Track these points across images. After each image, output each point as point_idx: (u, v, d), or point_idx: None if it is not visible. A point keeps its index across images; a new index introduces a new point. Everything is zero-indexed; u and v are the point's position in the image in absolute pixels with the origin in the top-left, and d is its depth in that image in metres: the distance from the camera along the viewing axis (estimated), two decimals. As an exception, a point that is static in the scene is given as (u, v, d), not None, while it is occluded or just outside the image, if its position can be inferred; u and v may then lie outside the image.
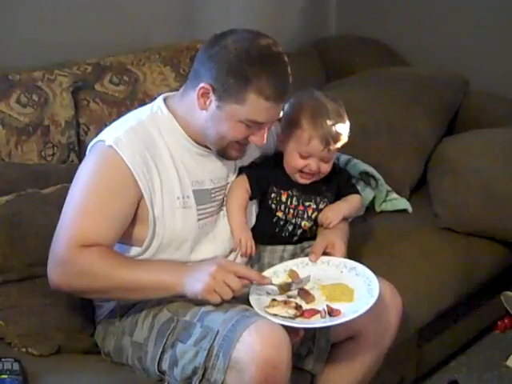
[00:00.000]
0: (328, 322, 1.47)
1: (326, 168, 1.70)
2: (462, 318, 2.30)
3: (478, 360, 2.37)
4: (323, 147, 1.65)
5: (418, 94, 2.60)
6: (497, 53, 2.81)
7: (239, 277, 1.47)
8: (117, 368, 1.62)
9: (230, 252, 1.70)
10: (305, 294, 1.56)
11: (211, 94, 1.53)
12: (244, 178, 1.71)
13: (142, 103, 2.20)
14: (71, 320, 1.70)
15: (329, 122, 1.64)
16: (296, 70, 2.73)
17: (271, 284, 1.54)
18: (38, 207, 1.76)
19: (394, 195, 2.32)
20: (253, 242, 1.67)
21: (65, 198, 1.59)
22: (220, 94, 1.53)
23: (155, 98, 1.69)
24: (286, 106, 1.69)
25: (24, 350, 1.63)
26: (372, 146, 2.39)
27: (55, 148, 2.01)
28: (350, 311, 1.50)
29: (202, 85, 1.54)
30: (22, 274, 1.70)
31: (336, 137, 1.65)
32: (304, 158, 1.68)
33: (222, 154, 1.63)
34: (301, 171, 1.70)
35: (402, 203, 2.31)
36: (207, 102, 1.55)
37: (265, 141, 1.60)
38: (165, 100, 1.65)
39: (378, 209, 2.30)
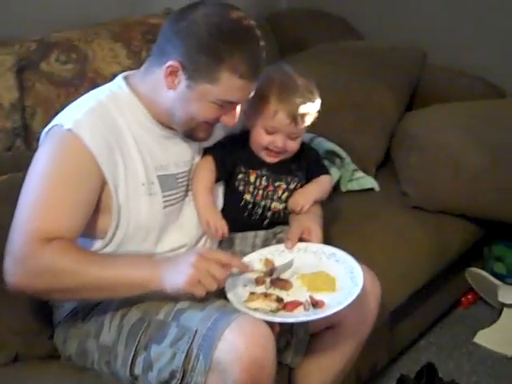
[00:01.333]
0: (314, 315, 1.38)
1: (293, 146, 1.61)
2: (430, 297, 2.25)
3: (445, 338, 2.34)
4: (289, 121, 1.56)
5: (378, 67, 2.53)
6: (454, 24, 2.75)
7: (222, 265, 1.36)
8: (81, 372, 1.49)
9: (199, 240, 1.60)
10: (280, 281, 1.48)
11: (180, 72, 1.42)
12: (209, 159, 1.61)
13: (93, 83, 2.07)
14: (27, 323, 1.57)
15: (297, 97, 1.56)
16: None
17: (253, 271, 1.43)
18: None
19: (360, 174, 2.25)
20: (224, 222, 1.57)
21: (15, 190, 1.44)
22: (190, 72, 1.41)
23: (108, 79, 1.57)
24: None
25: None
26: (335, 124, 2.30)
27: (-1, 134, 1.85)
28: (334, 302, 1.41)
29: (169, 62, 1.42)
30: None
31: (304, 113, 1.57)
32: (270, 134, 1.59)
33: (189, 135, 1.52)
34: (267, 148, 1.61)
35: (369, 182, 2.25)
36: (175, 81, 1.43)
37: (236, 120, 1.50)
38: (125, 78, 1.52)
39: (343, 188, 2.23)
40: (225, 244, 1.65)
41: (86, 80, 2.05)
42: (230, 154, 1.62)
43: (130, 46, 2.18)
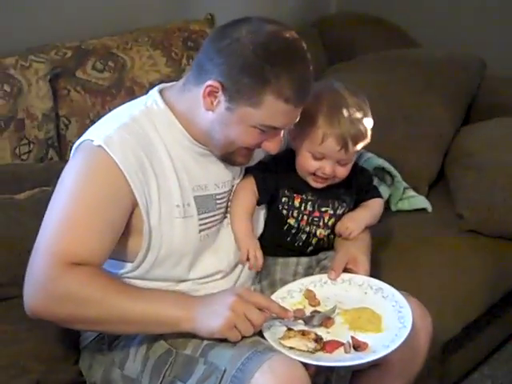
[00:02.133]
0: (354, 359, 1.25)
1: (342, 172, 1.47)
2: (485, 327, 2.09)
3: (502, 371, 2.17)
4: (339, 148, 1.42)
5: (433, 78, 2.37)
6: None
7: (260, 309, 1.25)
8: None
9: (235, 266, 1.48)
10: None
11: (220, 93, 1.31)
12: (251, 180, 1.49)
13: (130, 92, 1.99)
14: (52, 348, 1.48)
15: (348, 119, 1.42)
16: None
17: (294, 318, 1.31)
18: (11, 216, 1.53)
19: (412, 192, 2.10)
20: (261, 253, 1.45)
21: (44, 205, 1.35)
22: (231, 94, 1.30)
23: (147, 88, 1.47)
24: None
25: (-4, 387, 1.40)
26: (385, 138, 2.13)
27: (31, 145, 1.78)
28: (378, 344, 1.28)
29: (209, 82, 1.30)
30: (-6, 295, 1.46)
31: (355, 137, 1.43)
32: (317, 160, 1.45)
33: (227, 159, 1.41)
34: (314, 174, 1.47)
35: (421, 201, 2.09)
36: (215, 102, 1.32)
37: (279, 147, 1.39)
38: (161, 92, 1.41)
39: (394, 208, 2.09)
40: (265, 271, 1.53)
41: (123, 89, 1.98)
42: (273, 176, 1.50)
43: (170, 53, 2.10)
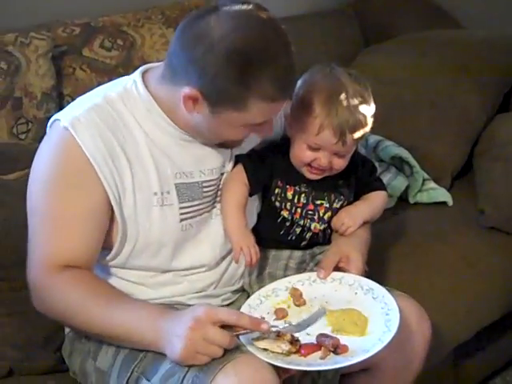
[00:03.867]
0: (329, 364, 1.16)
1: (340, 164, 1.37)
2: (504, 332, 1.95)
3: (525, 378, 2.04)
4: (336, 139, 1.32)
5: (468, 61, 2.23)
6: None
7: (229, 326, 1.16)
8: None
9: (222, 259, 1.40)
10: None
11: (201, 100, 1.22)
12: (241, 170, 1.40)
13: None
14: (30, 334, 1.44)
15: (346, 109, 1.31)
16: (330, 34, 2.47)
17: (274, 333, 1.20)
18: (-2, 197, 1.48)
19: (432, 184, 1.98)
20: (257, 249, 1.35)
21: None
22: (213, 100, 1.22)
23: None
24: (299, 83, 1.36)
25: (-33, 373, 1.37)
26: (407, 125, 2.05)
27: (29, 124, 1.73)
28: (359, 349, 1.18)
29: (187, 91, 1.21)
30: (-28, 280, 1.43)
31: (354, 127, 1.32)
32: (313, 151, 1.36)
33: (219, 145, 1.35)
34: (309, 165, 1.38)
35: (441, 194, 1.97)
36: (196, 107, 1.24)
37: (272, 131, 1.33)
38: (144, 73, 1.33)
39: (411, 200, 1.97)
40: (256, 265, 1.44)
41: (131, 68, 1.86)
42: (266, 166, 1.41)
43: (184, 31, 2.01)
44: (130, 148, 1.28)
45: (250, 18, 1.21)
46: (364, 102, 1.34)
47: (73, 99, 1.80)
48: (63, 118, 1.26)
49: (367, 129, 1.36)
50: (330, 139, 1.32)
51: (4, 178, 1.52)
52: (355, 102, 1.32)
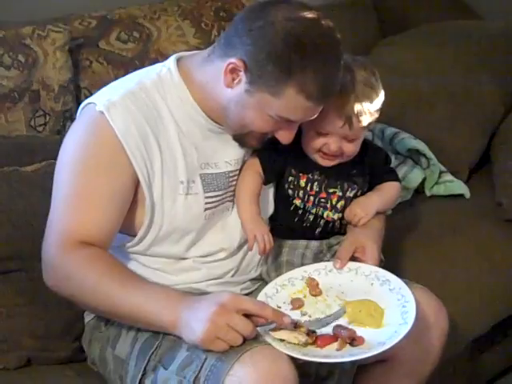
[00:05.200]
0: (345, 356, 1.16)
1: (350, 149, 1.38)
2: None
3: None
4: (342, 123, 1.33)
5: (487, 54, 2.21)
6: None
7: (251, 315, 1.16)
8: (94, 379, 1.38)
9: (241, 246, 1.41)
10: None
11: (242, 73, 1.24)
12: (255, 160, 1.41)
13: (155, 63, 1.92)
14: (48, 324, 1.44)
15: (353, 95, 1.32)
16: (348, 25, 2.46)
17: (292, 324, 1.19)
18: (15, 188, 1.49)
19: (449, 177, 1.97)
20: (270, 237, 1.36)
21: (51, 178, 1.33)
22: (253, 77, 1.23)
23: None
24: None
25: (-14, 361, 1.39)
26: (426, 117, 2.03)
27: (47, 116, 1.74)
28: (375, 341, 1.18)
29: (233, 59, 1.24)
30: (-9, 269, 1.44)
31: (360, 112, 1.32)
32: (322, 136, 1.36)
33: (239, 140, 1.35)
34: (320, 151, 1.38)
35: (458, 187, 1.96)
36: (236, 81, 1.25)
37: (291, 139, 1.33)
38: (179, 61, 1.34)
39: (428, 192, 1.96)
40: (272, 253, 1.45)
41: (148, 61, 1.90)
42: (280, 154, 1.41)
43: (200, 23, 2.01)
44: (162, 136, 1.29)
45: (315, 19, 1.24)
46: (370, 86, 1.35)
47: (90, 92, 1.85)
48: (99, 103, 1.27)
49: (375, 114, 1.36)
50: (336, 123, 1.33)
51: (22, 170, 1.52)
52: (362, 87, 1.33)
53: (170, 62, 1.35)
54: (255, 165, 1.40)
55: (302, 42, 1.20)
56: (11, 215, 1.46)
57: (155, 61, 1.90)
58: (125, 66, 1.87)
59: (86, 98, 1.79)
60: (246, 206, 1.38)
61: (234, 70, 1.24)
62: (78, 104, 1.80)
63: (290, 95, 1.23)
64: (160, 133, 1.29)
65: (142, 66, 1.90)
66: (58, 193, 1.29)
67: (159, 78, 1.32)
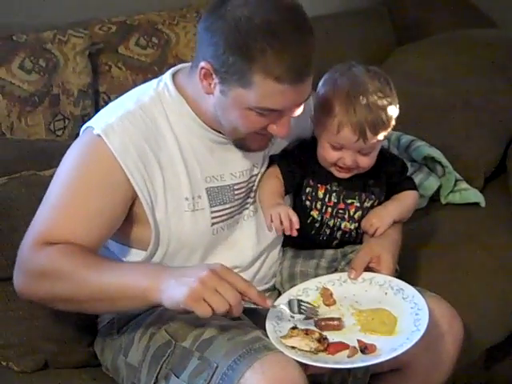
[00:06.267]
0: (356, 362, 1.16)
1: (366, 162, 1.37)
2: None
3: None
4: (357, 138, 1.32)
5: (504, 62, 2.23)
6: None
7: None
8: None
9: (253, 262, 1.41)
10: (329, 321, 1.26)
11: (213, 75, 1.23)
12: (276, 170, 1.41)
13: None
14: (65, 328, 1.45)
15: (365, 107, 1.30)
16: (363, 33, 2.46)
17: (273, 307, 1.22)
18: (34, 193, 1.50)
19: (465, 185, 1.96)
20: (292, 212, 1.32)
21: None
22: (222, 75, 1.21)
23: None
24: (320, 83, 1.36)
25: (5, 363, 1.39)
26: (442, 125, 2.04)
27: (66, 121, 1.77)
28: (387, 348, 1.19)
29: (202, 64, 1.23)
30: (10, 273, 1.44)
31: (374, 125, 1.31)
32: (337, 150, 1.36)
33: (240, 146, 1.33)
34: (336, 164, 1.38)
35: (474, 195, 1.95)
36: (212, 85, 1.24)
37: (287, 132, 1.28)
38: (174, 75, 1.35)
39: (443, 200, 1.96)
40: (286, 263, 1.46)
41: (166, 66, 1.92)
42: (299, 164, 1.41)
43: (218, 30, 2.02)
44: (163, 153, 1.29)
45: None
46: (384, 97, 1.33)
47: (108, 97, 1.87)
48: (96, 126, 1.27)
49: (390, 125, 1.35)
50: (350, 137, 1.32)
51: (41, 175, 1.54)
52: (374, 98, 1.32)
53: (166, 76, 1.34)
54: (276, 174, 1.40)
55: (253, 24, 1.16)
56: (29, 220, 1.48)
57: (173, 66, 1.92)
58: (143, 72, 1.90)
59: (105, 102, 1.87)
60: (269, 199, 1.37)
61: (206, 75, 1.23)
62: (97, 109, 1.85)
63: (259, 82, 1.18)
64: (161, 150, 1.29)
65: (161, 71, 1.93)
66: (46, 201, 1.29)
67: (157, 94, 1.32)
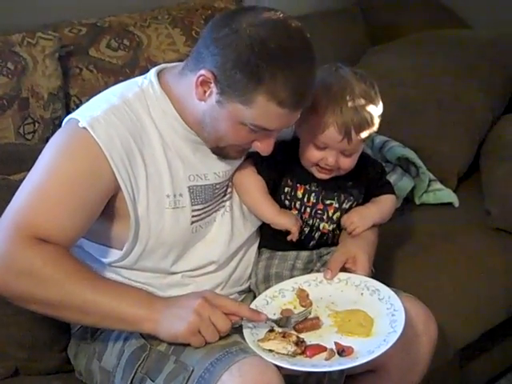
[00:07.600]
0: (334, 365, 1.16)
1: (347, 163, 1.37)
2: (510, 333, 1.95)
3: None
4: (341, 137, 1.32)
5: (476, 62, 2.23)
6: None
7: (228, 313, 1.18)
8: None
9: (231, 259, 1.40)
10: (307, 320, 1.26)
11: (212, 84, 1.22)
12: (252, 169, 1.41)
13: (145, 71, 1.87)
14: (37, 334, 1.43)
15: (351, 107, 1.31)
16: (336, 34, 2.47)
17: (268, 320, 1.23)
18: (3, 197, 1.46)
19: (438, 185, 1.97)
20: (299, 220, 1.39)
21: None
22: (223, 87, 1.22)
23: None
24: None
25: (-26, 372, 1.37)
26: (415, 126, 2.05)
27: (36, 124, 1.73)
28: (364, 349, 1.19)
29: (202, 71, 1.22)
30: (-21, 279, 1.43)
31: (359, 126, 1.32)
32: (320, 150, 1.36)
33: (218, 153, 1.33)
34: (317, 165, 1.38)
35: (447, 195, 1.97)
36: (207, 93, 1.24)
37: (270, 151, 1.30)
38: (160, 73, 1.34)
39: (417, 201, 1.97)
40: (261, 264, 1.45)
41: (138, 68, 1.91)
42: (277, 164, 1.41)
43: (191, 32, 2.01)
44: (146, 150, 1.28)
45: (282, 21, 1.23)
46: (370, 100, 1.34)
47: (79, 100, 1.84)
48: (82, 119, 1.25)
49: (373, 127, 1.36)
50: (335, 137, 1.33)
51: (11, 179, 1.52)
52: (360, 100, 1.33)
53: (151, 74, 1.34)
54: (254, 172, 1.40)
55: (268, 47, 1.18)
56: (-1, 224, 1.45)
57: (145, 69, 1.90)
58: (115, 74, 1.87)
59: (76, 105, 1.84)
60: (267, 204, 1.39)
61: (204, 83, 1.23)
62: (68, 112, 1.82)
63: (261, 103, 1.20)
64: (144, 147, 1.28)
65: (132, 73, 1.91)
66: (23, 189, 1.24)
67: (141, 90, 1.31)
